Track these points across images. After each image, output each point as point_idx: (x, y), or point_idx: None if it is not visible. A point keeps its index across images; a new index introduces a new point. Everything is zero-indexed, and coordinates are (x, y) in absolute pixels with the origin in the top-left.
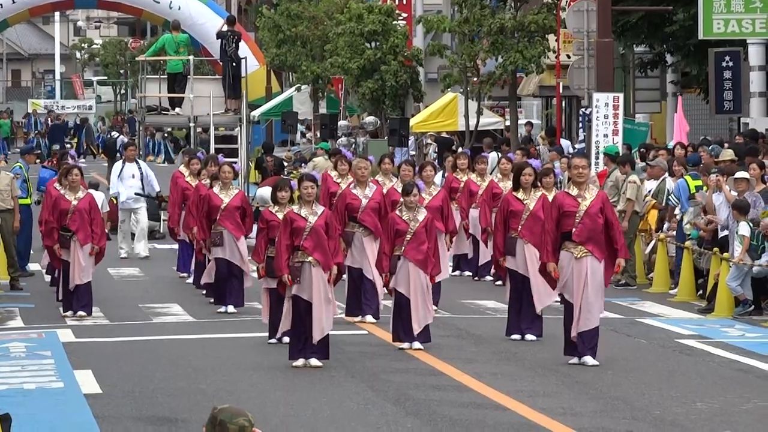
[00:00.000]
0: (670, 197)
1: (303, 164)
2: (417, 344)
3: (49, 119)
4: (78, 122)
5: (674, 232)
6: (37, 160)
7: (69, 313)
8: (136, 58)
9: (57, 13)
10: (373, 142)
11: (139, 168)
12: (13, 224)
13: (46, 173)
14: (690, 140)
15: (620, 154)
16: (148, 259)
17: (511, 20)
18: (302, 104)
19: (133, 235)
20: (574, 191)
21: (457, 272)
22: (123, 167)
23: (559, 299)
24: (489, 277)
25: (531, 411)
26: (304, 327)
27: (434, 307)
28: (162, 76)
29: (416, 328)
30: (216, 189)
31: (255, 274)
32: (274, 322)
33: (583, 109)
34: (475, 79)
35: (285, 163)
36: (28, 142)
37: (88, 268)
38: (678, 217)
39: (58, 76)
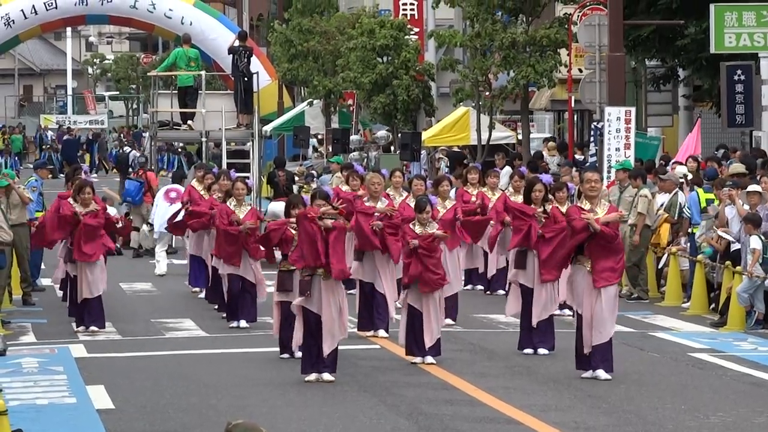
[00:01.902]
0: (683, 210)
1: (314, 179)
2: (430, 358)
3: (63, 134)
4: (90, 137)
5: (687, 245)
6: (50, 176)
7: (81, 328)
8: (148, 74)
9: (69, 29)
10: (385, 157)
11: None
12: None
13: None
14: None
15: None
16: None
17: (522, 35)
18: (314, 119)
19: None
20: (586, 206)
21: (469, 286)
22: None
23: (571, 313)
24: (501, 291)
25: (544, 425)
26: (315, 341)
27: (452, 321)
28: (173, 91)
29: (428, 342)
30: (230, 205)
31: (271, 289)
32: (284, 337)
33: (594, 123)
34: (487, 93)
35: (296, 178)
36: (40, 157)
37: (97, 283)
38: (690, 229)
39: (70, 92)
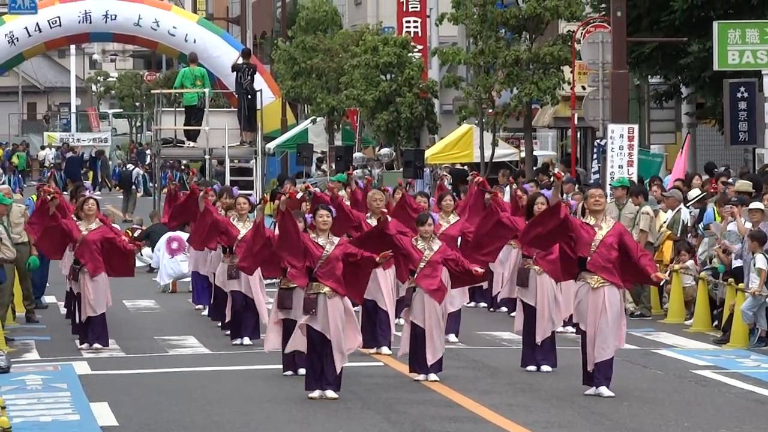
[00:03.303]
0: (698, 227)
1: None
2: (433, 376)
3: (65, 152)
4: (93, 155)
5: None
6: None
7: (85, 345)
8: (152, 91)
9: (73, 47)
10: (389, 174)
11: None
12: (29, 252)
13: None
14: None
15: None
16: (164, 292)
17: (526, 52)
18: (317, 136)
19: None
20: (591, 221)
21: (472, 303)
22: None
23: (574, 330)
24: (504, 309)
25: None
26: (319, 358)
27: (455, 338)
28: (178, 109)
29: (430, 359)
30: (233, 220)
31: (270, 306)
32: (288, 353)
33: (597, 141)
34: (490, 110)
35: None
36: (42, 174)
37: (99, 300)
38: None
39: (73, 109)
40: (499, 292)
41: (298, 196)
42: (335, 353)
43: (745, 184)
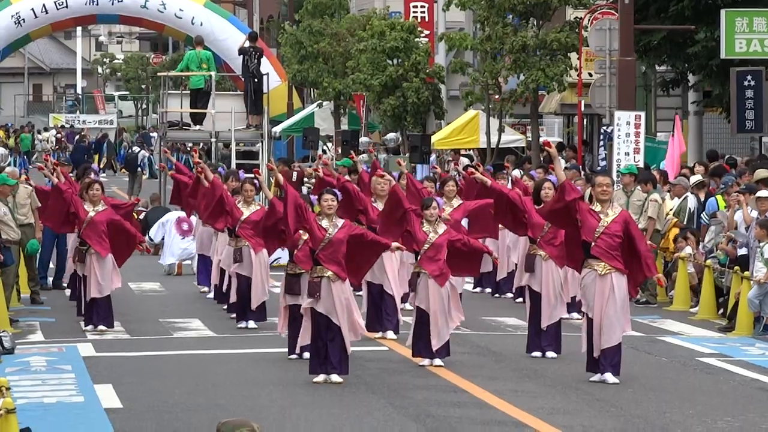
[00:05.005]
0: (702, 216)
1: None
2: (438, 360)
3: (74, 135)
4: (98, 138)
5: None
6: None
7: (89, 327)
8: (158, 74)
9: (79, 28)
10: (394, 159)
11: None
12: (35, 236)
13: None
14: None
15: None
16: (169, 274)
17: (533, 38)
18: (324, 120)
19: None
20: (597, 207)
21: (477, 289)
22: None
23: (580, 316)
24: (509, 294)
25: (551, 428)
26: (323, 342)
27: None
28: (184, 92)
29: (435, 344)
30: (239, 203)
31: (277, 290)
32: (293, 337)
33: (604, 128)
34: (496, 96)
35: (305, 179)
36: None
37: (106, 282)
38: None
39: (79, 91)
40: (503, 279)
41: (294, 178)
42: (345, 335)
43: (763, 173)
